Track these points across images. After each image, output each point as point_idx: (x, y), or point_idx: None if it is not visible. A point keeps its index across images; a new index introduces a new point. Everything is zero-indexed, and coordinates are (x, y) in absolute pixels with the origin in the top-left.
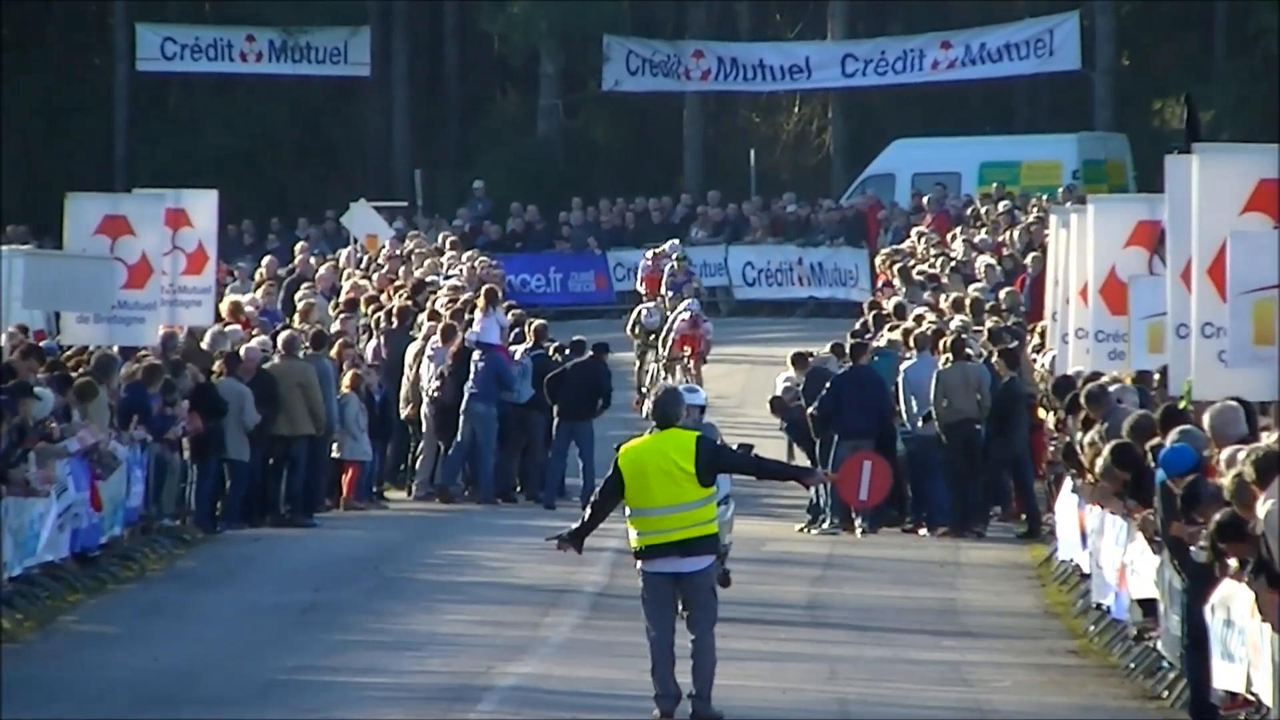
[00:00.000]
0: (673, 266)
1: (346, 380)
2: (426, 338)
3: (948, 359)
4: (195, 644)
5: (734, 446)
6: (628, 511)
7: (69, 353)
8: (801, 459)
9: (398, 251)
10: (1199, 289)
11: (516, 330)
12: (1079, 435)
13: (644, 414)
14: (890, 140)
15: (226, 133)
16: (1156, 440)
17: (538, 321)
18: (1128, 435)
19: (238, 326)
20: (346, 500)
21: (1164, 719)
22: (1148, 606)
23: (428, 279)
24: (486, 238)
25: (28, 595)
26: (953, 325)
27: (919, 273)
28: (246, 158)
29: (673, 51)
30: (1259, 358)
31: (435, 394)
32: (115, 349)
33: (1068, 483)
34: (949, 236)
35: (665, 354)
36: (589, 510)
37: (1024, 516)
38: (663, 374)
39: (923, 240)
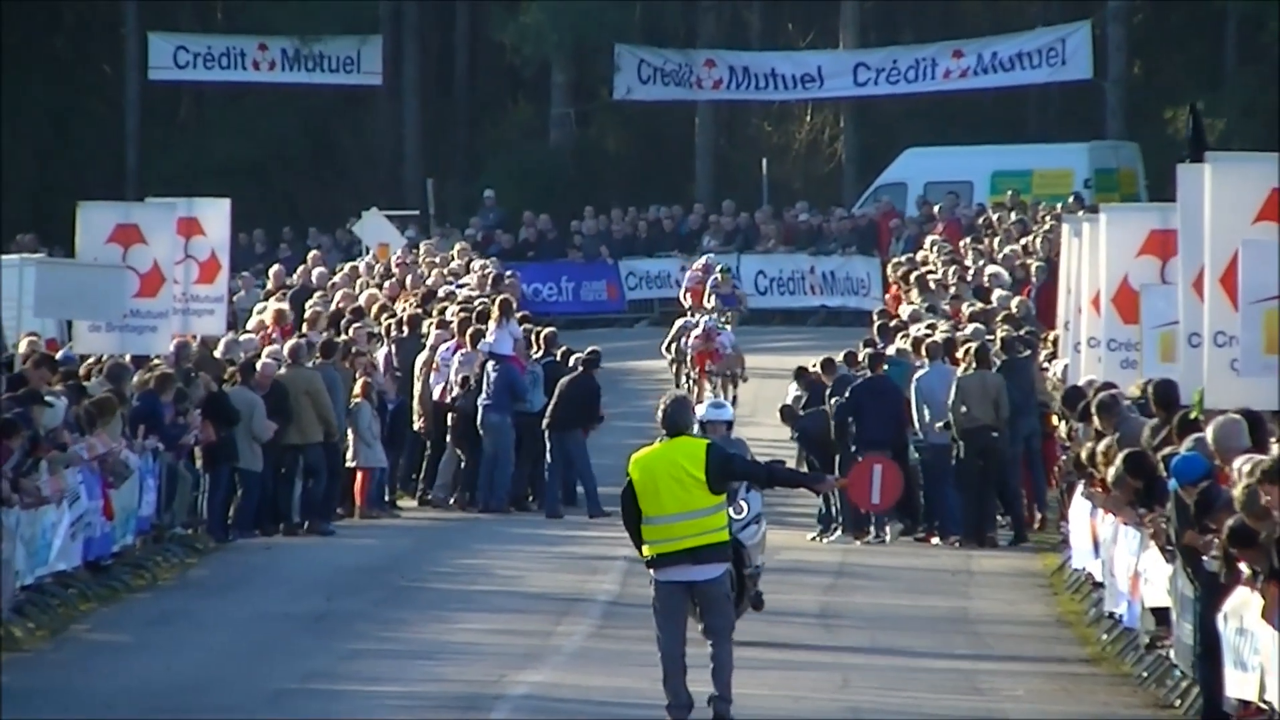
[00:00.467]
0: (717, 279)
1: (358, 388)
2: (434, 347)
3: (969, 365)
4: (207, 652)
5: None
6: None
7: (86, 363)
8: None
9: (408, 259)
10: (1211, 298)
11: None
12: (1090, 444)
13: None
14: (902, 149)
15: (237, 141)
16: (1169, 449)
17: (547, 329)
18: (1145, 444)
19: (251, 335)
20: (361, 509)
21: None
22: (1160, 615)
23: (439, 288)
24: (499, 246)
25: (40, 604)
26: (967, 333)
27: (935, 281)
28: (257, 166)
29: (684, 61)
30: (1270, 367)
31: (455, 400)
32: (128, 358)
33: (1080, 490)
34: (961, 245)
35: (691, 371)
36: (628, 532)
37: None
38: (694, 390)
39: (935, 249)
